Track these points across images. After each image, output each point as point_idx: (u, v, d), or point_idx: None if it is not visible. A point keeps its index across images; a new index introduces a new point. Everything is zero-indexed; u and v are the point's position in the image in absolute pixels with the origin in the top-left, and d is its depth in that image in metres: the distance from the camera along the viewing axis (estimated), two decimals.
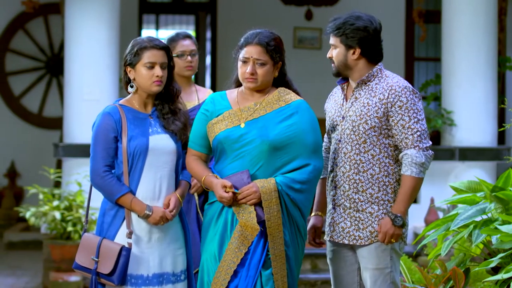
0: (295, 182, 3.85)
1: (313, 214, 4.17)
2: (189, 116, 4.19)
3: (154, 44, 3.93)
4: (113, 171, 3.88)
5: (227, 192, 3.81)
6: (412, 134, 3.87)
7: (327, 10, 10.84)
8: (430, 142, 3.92)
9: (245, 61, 3.91)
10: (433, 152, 3.92)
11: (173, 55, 4.57)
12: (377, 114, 3.92)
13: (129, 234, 3.84)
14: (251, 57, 3.89)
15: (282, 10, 10.94)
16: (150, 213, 3.85)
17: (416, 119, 3.89)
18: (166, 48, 3.97)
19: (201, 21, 11.19)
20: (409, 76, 10.83)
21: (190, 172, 4.02)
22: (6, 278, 8.08)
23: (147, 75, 3.90)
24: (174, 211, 3.90)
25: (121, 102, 4.00)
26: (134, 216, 3.88)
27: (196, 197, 4.60)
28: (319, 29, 10.90)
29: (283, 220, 3.85)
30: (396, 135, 3.91)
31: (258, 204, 3.82)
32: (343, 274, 4.09)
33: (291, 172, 3.86)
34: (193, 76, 5.07)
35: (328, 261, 4.17)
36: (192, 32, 11.25)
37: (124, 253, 3.79)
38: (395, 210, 3.88)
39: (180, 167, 4.01)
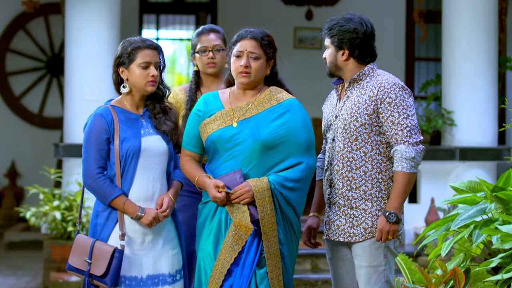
0: (288, 181, 3.86)
1: (310, 214, 4.19)
2: (179, 114, 4.17)
3: (147, 44, 3.93)
4: (105, 172, 3.86)
5: (220, 192, 3.82)
6: (401, 130, 3.89)
7: (328, 10, 10.84)
8: (421, 137, 3.94)
9: (239, 56, 3.94)
10: (424, 147, 3.93)
11: (196, 51, 4.50)
12: (367, 111, 3.94)
13: (122, 236, 3.83)
14: (246, 50, 3.93)
15: (283, 10, 10.95)
16: (143, 215, 3.85)
17: (405, 115, 3.90)
18: (159, 48, 3.98)
19: (201, 21, 11.18)
20: (409, 76, 10.84)
21: (183, 172, 4.02)
22: (6, 278, 8.08)
23: (141, 75, 3.91)
24: (167, 211, 3.90)
25: (112, 102, 4.00)
26: (127, 218, 3.87)
27: None
28: (320, 29, 10.79)
29: (277, 218, 3.87)
30: (387, 132, 3.94)
31: (252, 203, 3.84)
32: (342, 273, 4.10)
33: (284, 171, 3.88)
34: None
35: (327, 260, 4.19)
36: (192, 32, 11.25)
37: (117, 255, 3.78)
38: (388, 207, 3.90)
39: (172, 168, 4.02)
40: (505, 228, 3.80)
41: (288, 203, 3.88)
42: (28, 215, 7.33)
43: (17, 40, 11.32)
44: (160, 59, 3.96)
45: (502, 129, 5.10)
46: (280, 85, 4.06)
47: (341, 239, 4.01)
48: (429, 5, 10.50)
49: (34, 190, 7.50)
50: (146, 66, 3.91)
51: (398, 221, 3.88)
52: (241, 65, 3.91)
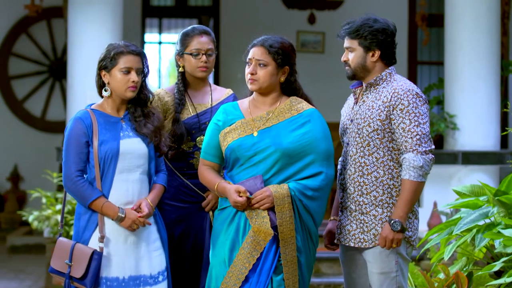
0: (307, 189, 3.86)
1: (330, 218, 4.18)
2: (163, 120, 4.14)
3: (130, 49, 3.97)
4: (85, 175, 3.91)
5: (241, 196, 3.81)
6: (411, 138, 3.86)
7: (330, 14, 10.85)
8: (432, 146, 3.89)
9: (248, 63, 3.96)
10: (433, 156, 3.88)
11: (186, 52, 4.35)
12: (379, 117, 3.92)
13: (101, 238, 3.87)
14: (253, 57, 3.93)
15: (285, 14, 10.96)
16: (123, 216, 3.88)
17: (417, 123, 3.87)
18: (142, 54, 4.00)
19: (203, 25, 11.20)
20: (411, 80, 10.76)
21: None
22: (9, 282, 8.09)
23: (122, 80, 3.94)
24: (147, 217, 3.91)
25: (93, 106, 4.03)
26: (109, 219, 3.90)
27: (211, 214, 4.36)
28: (322, 33, 10.90)
29: (296, 225, 3.86)
30: (398, 138, 3.90)
31: (272, 209, 3.83)
32: (355, 277, 4.09)
33: (304, 179, 3.87)
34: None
35: (341, 264, 4.19)
36: None
37: (96, 257, 3.83)
38: (393, 215, 3.86)
39: (152, 170, 4.03)
40: (507, 232, 3.80)
41: (307, 211, 3.88)
42: (30, 218, 7.34)
43: (19, 44, 11.34)
44: (143, 65, 3.99)
45: (505, 133, 5.11)
46: (297, 92, 4.03)
47: (352, 244, 3.99)
48: (431, 9, 10.50)
49: (37, 194, 7.51)
50: (127, 72, 3.94)
51: (403, 229, 3.84)
52: (247, 72, 3.94)
